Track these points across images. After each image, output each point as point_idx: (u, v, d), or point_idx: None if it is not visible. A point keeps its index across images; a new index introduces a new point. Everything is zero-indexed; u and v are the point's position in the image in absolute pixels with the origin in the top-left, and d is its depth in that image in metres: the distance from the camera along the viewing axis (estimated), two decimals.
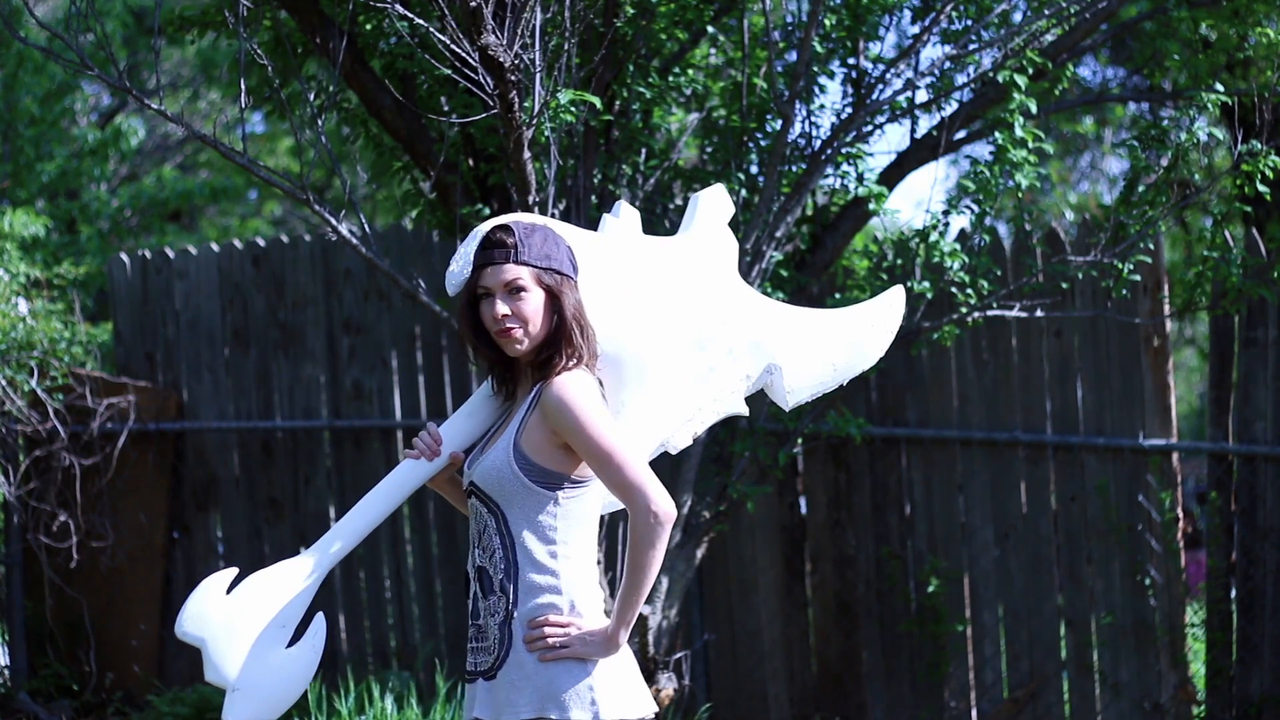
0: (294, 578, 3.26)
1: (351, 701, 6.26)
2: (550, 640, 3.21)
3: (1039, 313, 6.22)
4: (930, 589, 6.72)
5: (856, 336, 3.58)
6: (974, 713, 6.76)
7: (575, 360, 3.29)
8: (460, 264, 3.45)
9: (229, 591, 3.21)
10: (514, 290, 3.27)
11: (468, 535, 3.43)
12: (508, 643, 3.24)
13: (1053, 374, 6.64)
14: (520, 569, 3.25)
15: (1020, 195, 6.00)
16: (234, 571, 3.24)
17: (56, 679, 7.57)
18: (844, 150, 6.10)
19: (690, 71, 6.58)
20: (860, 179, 6.21)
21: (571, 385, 3.25)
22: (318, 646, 3.26)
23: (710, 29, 6.36)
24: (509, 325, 3.26)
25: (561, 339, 3.28)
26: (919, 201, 17.07)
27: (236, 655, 3.17)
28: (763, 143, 6.31)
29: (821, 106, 6.30)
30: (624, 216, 3.60)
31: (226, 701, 3.16)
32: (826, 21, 6.09)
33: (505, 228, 3.30)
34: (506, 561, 3.26)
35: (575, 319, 3.29)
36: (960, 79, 6.22)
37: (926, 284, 6.08)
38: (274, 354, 7.60)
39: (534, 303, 3.27)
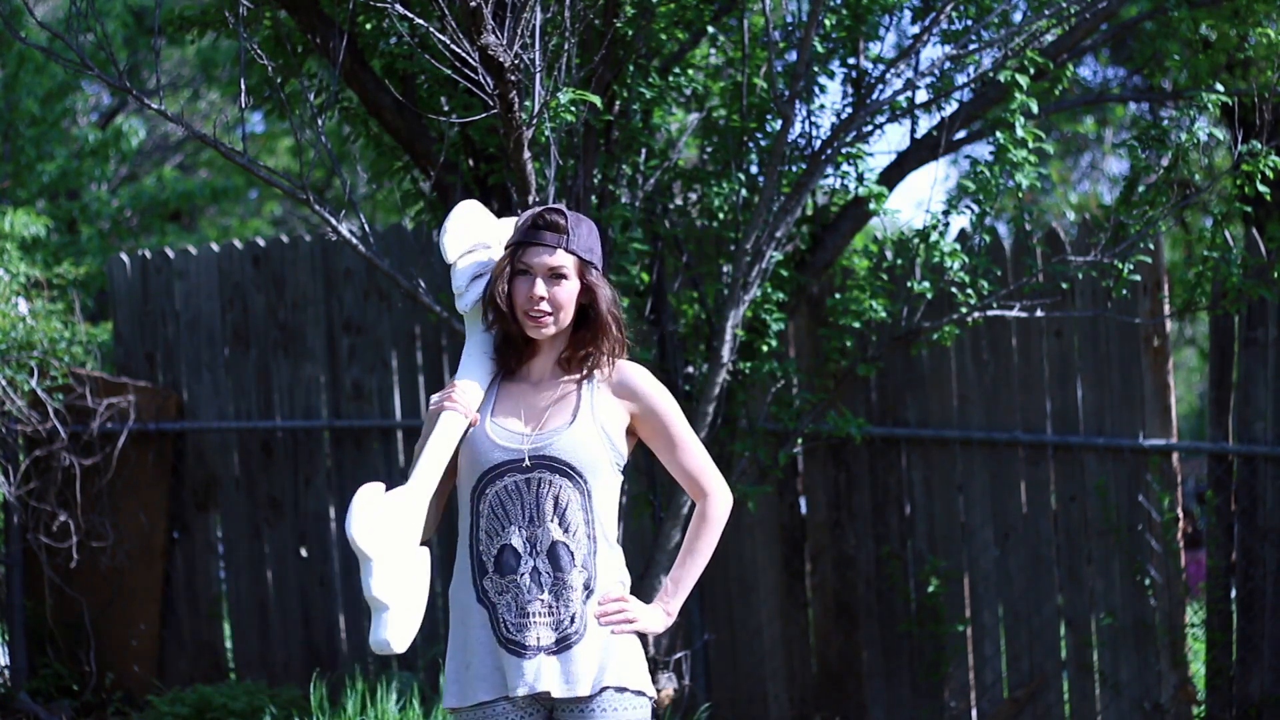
0: (412, 504, 3.31)
1: (354, 702, 6.27)
2: (626, 615, 3.35)
3: (1039, 313, 6.22)
4: (930, 589, 6.72)
5: None
6: (974, 713, 6.76)
7: (623, 350, 3.43)
8: (455, 236, 3.45)
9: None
10: (555, 276, 3.36)
11: (491, 510, 3.38)
12: (585, 617, 3.33)
13: (1053, 374, 6.64)
14: (598, 545, 3.36)
15: (1020, 195, 6.00)
16: (382, 486, 3.28)
17: (56, 679, 7.57)
18: (844, 150, 6.10)
19: (690, 71, 6.58)
20: (860, 179, 6.21)
21: (650, 374, 3.44)
22: (429, 574, 3.36)
23: (710, 29, 6.36)
24: (543, 309, 3.34)
25: (600, 331, 3.38)
26: (919, 201, 17.08)
27: (394, 575, 3.21)
28: (763, 143, 6.31)
29: (821, 106, 6.30)
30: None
31: (380, 621, 3.19)
32: (826, 21, 6.09)
33: (559, 212, 3.38)
34: (589, 538, 3.35)
35: (611, 312, 3.39)
36: (960, 79, 6.22)
37: (926, 284, 6.08)
38: (274, 354, 7.59)
39: (570, 291, 3.36)
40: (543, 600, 3.31)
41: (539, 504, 3.32)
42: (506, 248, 3.42)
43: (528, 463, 3.33)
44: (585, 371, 3.40)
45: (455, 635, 3.39)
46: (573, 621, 3.31)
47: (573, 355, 3.39)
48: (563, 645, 3.31)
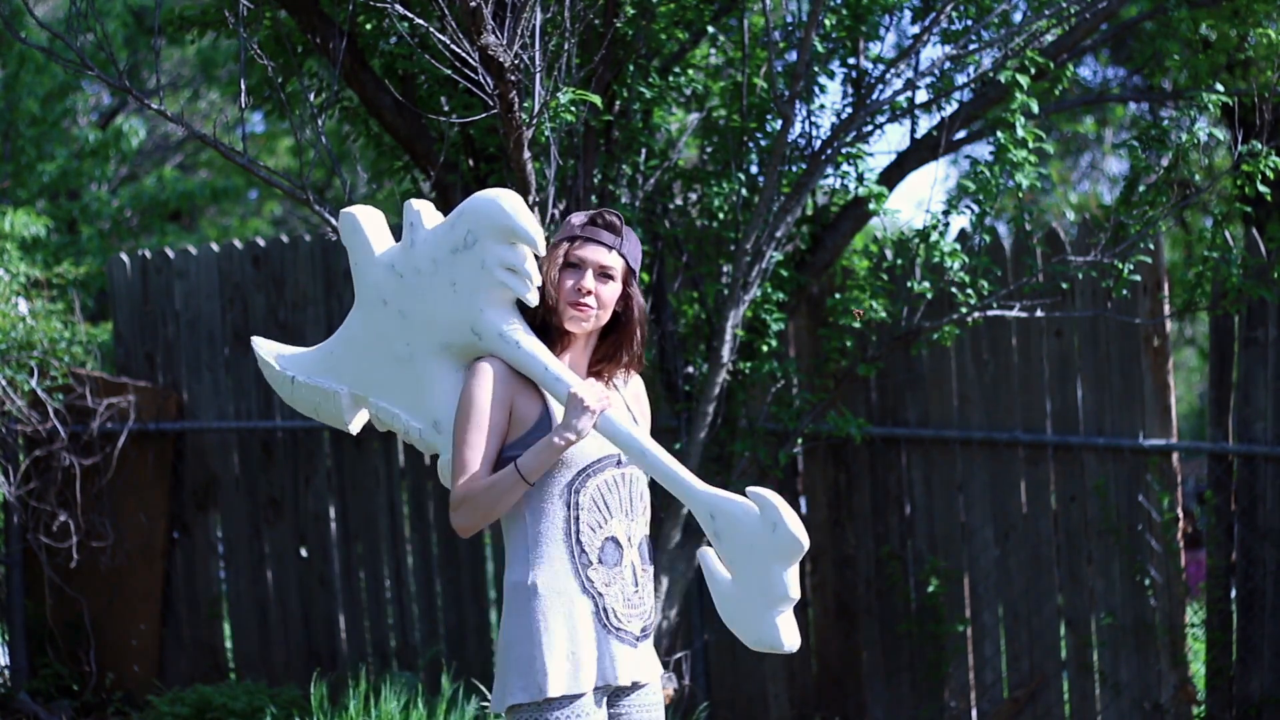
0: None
1: (356, 702, 6.27)
2: None
3: (1039, 313, 6.22)
4: (930, 589, 6.72)
5: None
6: (974, 713, 6.76)
7: (641, 363, 3.57)
8: (465, 224, 3.46)
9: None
10: (604, 274, 3.46)
11: (593, 503, 3.43)
12: None
13: (1053, 374, 6.64)
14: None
15: (1020, 195, 6.00)
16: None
17: (56, 679, 7.57)
18: (844, 150, 6.10)
19: (690, 71, 6.58)
20: (860, 179, 6.21)
21: None
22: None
23: (710, 29, 6.36)
24: (589, 302, 3.44)
25: (628, 339, 3.51)
26: (919, 201, 17.08)
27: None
28: (763, 143, 6.31)
29: (821, 106, 6.30)
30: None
31: (789, 620, 3.33)
32: (826, 21, 6.09)
33: (618, 216, 3.50)
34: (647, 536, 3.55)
35: (640, 322, 3.52)
36: (960, 79, 6.22)
37: (926, 284, 6.08)
38: None
39: (613, 292, 3.47)
40: (637, 592, 3.46)
41: (632, 499, 3.47)
42: (558, 241, 3.49)
43: (622, 458, 3.45)
44: (613, 376, 3.53)
45: (550, 624, 3.37)
46: (649, 614, 3.49)
47: (604, 363, 3.51)
48: (645, 635, 3.47)
